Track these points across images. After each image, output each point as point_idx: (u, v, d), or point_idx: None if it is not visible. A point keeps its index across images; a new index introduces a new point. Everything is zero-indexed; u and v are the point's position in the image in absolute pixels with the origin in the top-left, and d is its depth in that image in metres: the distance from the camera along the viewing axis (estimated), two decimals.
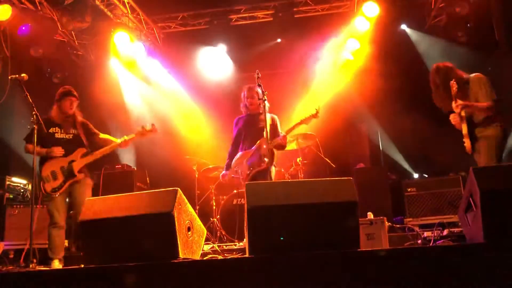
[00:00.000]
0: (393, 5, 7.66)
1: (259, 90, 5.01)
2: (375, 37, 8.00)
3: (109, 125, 7.65)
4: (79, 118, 5.22)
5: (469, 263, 2.70)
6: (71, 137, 5.09)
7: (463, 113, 4.39)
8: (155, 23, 8.45)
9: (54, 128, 5.04)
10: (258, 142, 5.29)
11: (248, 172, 5.27)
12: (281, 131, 5.34)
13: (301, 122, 5.20)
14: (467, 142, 4.43)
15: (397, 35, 8.23)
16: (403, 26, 8.28)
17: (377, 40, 8.03)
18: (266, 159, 5.09)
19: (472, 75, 4.55)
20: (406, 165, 8.22)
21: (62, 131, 5.08)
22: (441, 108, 4.75)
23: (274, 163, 5.36)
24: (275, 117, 5.53)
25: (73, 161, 4.98)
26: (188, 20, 8.42)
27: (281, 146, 5.30)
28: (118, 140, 5.12)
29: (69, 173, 4.94)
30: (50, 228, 4.80)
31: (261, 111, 5.27)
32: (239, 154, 5.45)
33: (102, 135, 5.27)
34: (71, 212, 5.16)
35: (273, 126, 5.40)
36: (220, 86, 8.59)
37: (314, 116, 5.16)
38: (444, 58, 7.21)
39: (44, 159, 4.96)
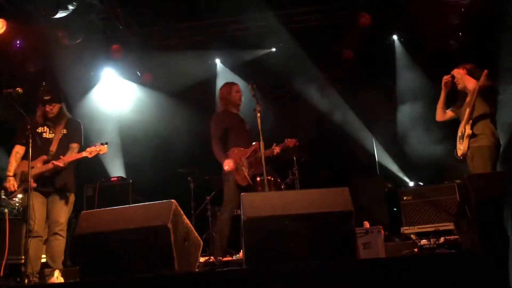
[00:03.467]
0: (385, 14, 7.75)
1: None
2: (369, 47, 8.12)
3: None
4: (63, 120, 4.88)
5: (465, 271, 2.71)
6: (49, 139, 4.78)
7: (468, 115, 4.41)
8: (150, 36, 8.48)
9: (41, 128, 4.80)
10: (254, 144, 5.17)
11: (248, 171, 5.10)
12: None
13: (279, 150, 5.16)
14: (464, 145, 4.42)
15: (387, 46, 8.38)
16: (394, 37, 8.42)
17: (370, 50, 8.14)
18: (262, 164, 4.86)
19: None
20: (401, 174, 8.25)
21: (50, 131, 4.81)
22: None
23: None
24: None
25: (33, 167, 4.59)
26: (183, 32, 8.45)
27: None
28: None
29: (25, 179, 4.58)
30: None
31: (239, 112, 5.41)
32: (234, 150, 5.23)
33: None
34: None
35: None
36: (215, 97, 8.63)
37: (292, 148, 5.12)
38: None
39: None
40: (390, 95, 8.12)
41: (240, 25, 8.28)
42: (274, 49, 8.72)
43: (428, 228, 6.06)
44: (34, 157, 4.56)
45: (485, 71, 4.42)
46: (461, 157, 4.49)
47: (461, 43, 7.62)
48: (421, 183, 7.51)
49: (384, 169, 8.20)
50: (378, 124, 8.24)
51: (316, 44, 8.16)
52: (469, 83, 4.54)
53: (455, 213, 3.88)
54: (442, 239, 4.51)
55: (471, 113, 4.41)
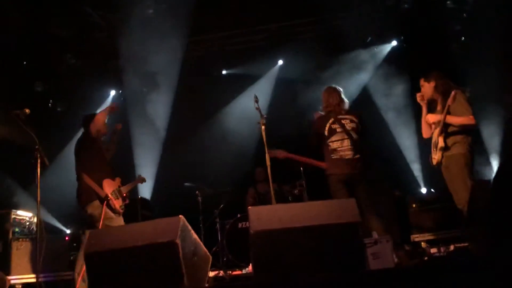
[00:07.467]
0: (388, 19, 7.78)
1: None
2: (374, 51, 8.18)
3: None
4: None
5: (476, 279, 2.68)
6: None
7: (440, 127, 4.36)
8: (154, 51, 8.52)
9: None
10: None
11: None
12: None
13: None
14: (438, 155, 4.36)
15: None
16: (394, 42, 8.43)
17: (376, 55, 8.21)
18: None
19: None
20: (412, 180, 8.16)
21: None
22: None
23: None
24: None
25: (120, 186, 4.80)
26: (186, 46, 8.48)
27: None
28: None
29: (121, 197, 4.74)
30: None
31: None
32: None
33: None
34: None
35: None
36: (222, 111, 8.69)
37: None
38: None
39: (96, 179, 4.64)
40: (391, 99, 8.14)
41: (243, 38, 8.32)
42: (281, 62, 8.76)
43: (438, 235, 5.99)
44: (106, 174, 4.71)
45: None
46: (436, 166, 4.42)
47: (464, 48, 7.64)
48: (433, 190, 7.43)
49: (394, 176, 8.11)
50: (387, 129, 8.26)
51: (320, 53, 8.18)
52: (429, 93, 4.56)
53: (463, 220, 3.84)
54: (452, 247, 4.47)
55: (443, 126, 4.34)
